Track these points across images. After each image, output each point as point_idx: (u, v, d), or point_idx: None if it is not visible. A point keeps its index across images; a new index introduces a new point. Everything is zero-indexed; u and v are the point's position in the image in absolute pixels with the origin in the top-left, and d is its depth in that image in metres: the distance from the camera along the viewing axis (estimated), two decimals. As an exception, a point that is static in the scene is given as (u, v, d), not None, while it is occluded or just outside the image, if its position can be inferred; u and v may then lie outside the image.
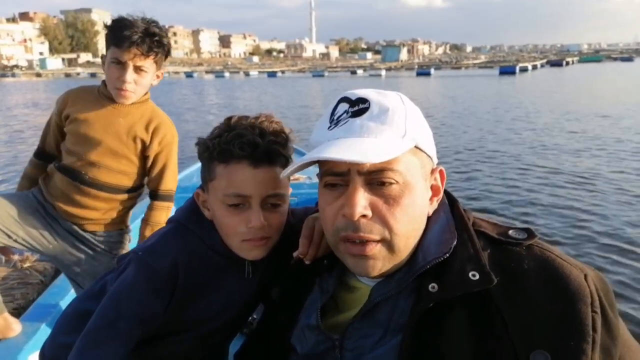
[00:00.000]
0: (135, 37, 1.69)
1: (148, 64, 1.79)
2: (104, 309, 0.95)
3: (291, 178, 1.07)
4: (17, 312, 2.72)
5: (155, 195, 1.93)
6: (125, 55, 1.72)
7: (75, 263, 1.94)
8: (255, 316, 1.22)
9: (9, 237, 1.80)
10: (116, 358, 0.91)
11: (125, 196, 1.92)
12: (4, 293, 2.89)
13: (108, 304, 0.96)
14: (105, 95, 1.86)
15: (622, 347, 0.70)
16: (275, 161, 0.94)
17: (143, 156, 1.89)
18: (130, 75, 1.75)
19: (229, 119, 0.98)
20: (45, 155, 1.98)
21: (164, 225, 1.75)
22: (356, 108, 0.81)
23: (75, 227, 1.91)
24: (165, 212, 1.93)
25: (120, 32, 1.70)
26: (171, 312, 0.99)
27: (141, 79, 1.80)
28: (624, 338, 0.71)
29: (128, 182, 1.90)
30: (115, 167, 1.85)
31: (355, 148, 0.74)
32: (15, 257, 3.38)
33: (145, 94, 1.91)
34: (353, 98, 0.82)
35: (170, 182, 1.94)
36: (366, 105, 0.80)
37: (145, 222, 1.92)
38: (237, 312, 1.08)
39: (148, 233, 1.88)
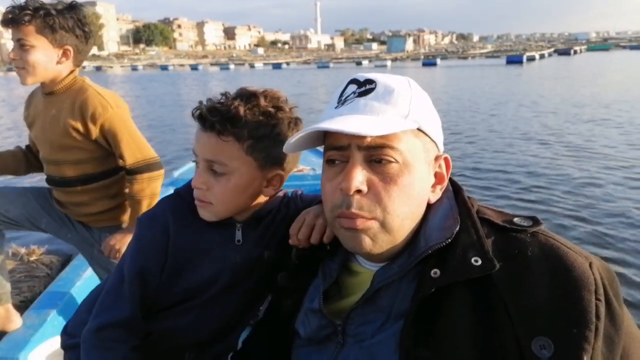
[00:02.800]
0: (13, 12, 1.67)
1: (28, 36, 1.68)
2: (113, 273, 1.06)
3: (295, 169, 1.08)
4: (24, 305, 2.75)
5: (127, 171, 1.84)
6: (9, 34, 1.72)
7: (90, 255, 2.03)
8: (261, 308, 1.23)
9: (33, 224, 1.92)
10: (126, 317, 0.99)
11: (106, 182, 1.88)
12: (11, 286, 2.91)
13: (115, 269, 1.06)
14: (42, 91, 1.84)
15: (626, 337, 0.69)
16: (216, 129, 0.96)
17: (91, 140, 1.79)
18: (14, 51, 1.72)
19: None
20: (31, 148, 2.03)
21: (148, 195, 1.87)
22: (363, 89, 0.82)
23: (83, 226, 1.96)
24: (143, 183, 1.84)
25: (5, 13, 1.69)
26: (166, 279, 1.04)
27: (26, 54, 1.70)
28: (629, 329, 0.70)
29: (96, 168, 1.85)
30: (71, 159, 1.81)
31: (356, 122, 0.76)
32: (22, 250, 3.44)
33: (70, 74, 1.81)
34: (361, 80, 0.84)
35: (133, 154, 1.80)
36: (373, 86, 0.82)
37: (127, 195, 1.88)
38: (230, 281, 1.08)
39: (132, 205, 1.88)
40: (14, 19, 1.68)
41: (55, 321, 1.96)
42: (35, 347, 1.82)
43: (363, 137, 0.76)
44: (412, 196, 0.79)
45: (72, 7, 1.78)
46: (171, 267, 1.04)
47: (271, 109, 1.00)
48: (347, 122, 0.76)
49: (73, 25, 1.77)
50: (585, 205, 5.08)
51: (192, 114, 1.00)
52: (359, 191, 0.77)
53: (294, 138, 0.83)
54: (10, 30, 1.71)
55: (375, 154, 0.77)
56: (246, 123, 0.96)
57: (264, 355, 0.99)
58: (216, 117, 0.95)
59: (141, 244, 1.05)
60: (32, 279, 3.18)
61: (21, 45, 1.70)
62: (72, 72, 1.82)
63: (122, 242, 1.86)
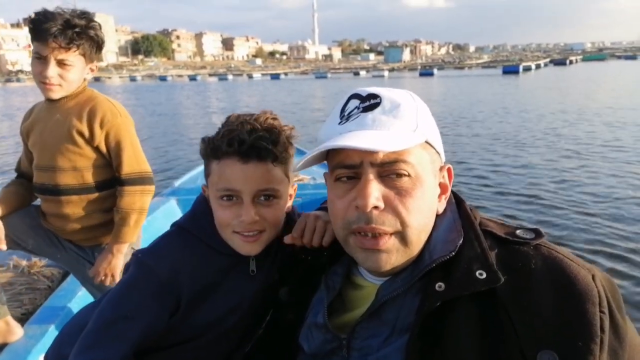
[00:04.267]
0: (54, 29, 1.63)
1: (72, 57, 1.71)
2: (104, 309, 0.96)
3: (296, 178, 1.07)
4: (25, 317, 2.73)
5: (119, 182, 1.81)
6: (46, 50, 1.67)
7: (82, 276, 1.98)
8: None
9: (19, 244, 1.85)
10: (116, 358, 0.91)
11: (99, 194, 1.84)
12: (12, 298, 2.89)
13: (107, 305, 0.96)
14: (46, 99, 1.83)
15: (629, 349, 0.69)
16: (265, 156, 0.94)
17: (93, 146, 1.78)
18: (52, 69, 1.69)
19: (229, 116, 1.00)
20: (22, 174, 1.98)
21: (137, 209, 1.83)
22: (367, 103, 0.81)
23: (72, 245, 1.92)
24: (135, 196, 1.81)
25: (40, 25, 1.65)
26: (178, 319, 0.99)
27: (66, 73, 1.72)
28: (632, 340, 0.70)
29: (91, 178, 1.81)
30: (68, 166, 1.78)
31: (369, 139, 0.75)
32: (24, 262, 3.43)
33: (82, 83, 1.83)
34: (364, 94, 0.83)
35: (130, 164, 1.80)
36: (377, 100, 0.81)
37: (115, 210, 1.82)
38: (246, 313, 1.07)
39: (119, 220, 1.82)
40: (63, 39, 1.65)
41: (56, 333, 1.94)
42: (36, 358, 1.81)
43: (376, 153, 0.76)
44: (425, 208, 0.80)
45: (92, 19, 1.78)
46: (185, 307, 0.98)
47: (287, 130, 1.01)
48: (359, 139, 0.75)
49: (102, 42, 1.80)
50: (589, 211, 5.10)
51: (220, 147, 0.94)
52: (375, 207, 0.77)
53: (305, 158, 0.83)
54: (39, 43, 1.67)
55: (389, 169, 0.78)
56: (282, 146, 0.97)
57: None
58: (268, 146, 0.93)
59: (142, 288, 0.95)
60: (33, 291, 3.15)
61: (63, 64, 1.71)
62: (83, 80, 1.84)
63: (112, 267, 1.80)
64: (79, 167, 1.79)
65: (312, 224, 1.00)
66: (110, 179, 1.85)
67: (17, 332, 1.91)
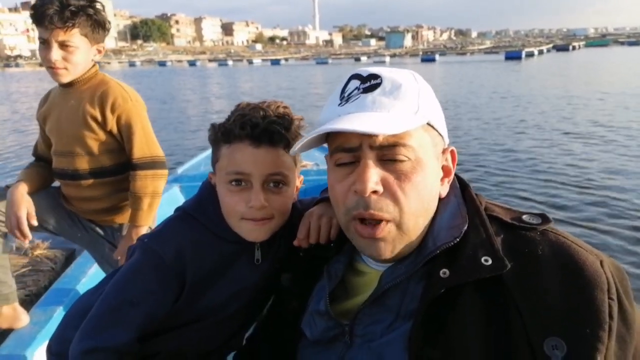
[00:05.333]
0: (50, 11, 1.63)
1: (73, 38, 1.70)
2: (108, 294, 0.96)
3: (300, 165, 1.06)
4: (29, 299, 2.76)
5: (131, 166, 1.83)
6: (46, 33, 1.67)
7: (101, 255, 2.01)
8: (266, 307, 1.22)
9: (40, 225, 1.87)
10: (120, 343, 0.91)
11: (118, 177, 1.87)
12: (16, 280, 2.90)
13: (112, 290, 0.96)
14: (60, 85, 1.84)
15: (638, 336, 0.68)
16: (277, 141, 0.94)
17: (106, 131, 1.80)
18: (55, 52, 1.69)
19: (238, 104, 1.00)
20: (39, 157, 2.00)
21: (150, 193, 1.85)
22: (368, 84, 0.79)
23: (93, 225, 1.95)
24: (147, 180, 1.83)
25: (38, 9, 1.66)
26: (183, 303, 0.99)
27: (70, 55, 1.72)
28: None
29: (108, 161, 1.84)
30: (85, 151, 1.81)
31: (368, 121, 0.73)
32: (27, 244, 3.44)
33: (92, 68, 1.84)
34: (365, 75, 0.81)
35: (142, 148, 1.82)
36: (378, 81, 0.79)
37: (129, 193, 1.85)
38: (249, 300, 1.07)
39: (133, 202, 1.85)
40: (59, 20, 1.66)
41: (61, 318, 1.95)
42: (42, 344, 1.82)
43: (375, 136, 0.74)
44: (425, 193, 0.78)
45: (94, 0, 1.77)
46: (188, 291, 0.98)
47: (297, 120, 1.01)
48: (358, 122, 0.73)
49: (104, 22, 1.79)
50: (594, 196, 5.10)
51: (232, 131, 0.94)
52: (374, 192, 0.75)
53: (302, 141, 0.81)
54: (41, 28, 1.68)
55: (388, 153, 0.76)
56: (293, 133, 0.97)
57: (268, 353, 0.98)
58: (281, 130, 0.93)
59: (148, 272, 0.95)
60: (36, 272, 3.18)
61: (65, 46, 1.71)
62: (94, 65, 1.85)
63: None
64: (95, 151, 1.82)
65: (316, 223, 0.99)
66: (126, 163, 1.88)
67: (23, 318, 1.93)
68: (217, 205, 1.00)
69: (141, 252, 0.98)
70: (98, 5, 1.76)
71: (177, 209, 1.06)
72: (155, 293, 0.95)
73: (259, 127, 0.92)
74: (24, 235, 1.74)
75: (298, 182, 1.06)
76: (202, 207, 1.02)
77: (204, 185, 1.07)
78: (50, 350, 1.09)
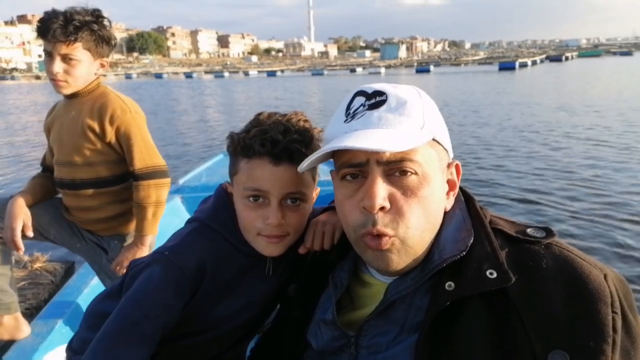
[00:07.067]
0: (54, 25, 1.67)
1: (76, 52, 1.74)
2: (126, 309, 0.91)
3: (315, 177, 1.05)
4: (29, 312, 2.74)
5: (134, 177, 1.85)
6: (50, 46, 1.72)
7: (99, 266, 2.01)
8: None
9: (41, 234, 1.90)
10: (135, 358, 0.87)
11: (117, 188, 1.89)
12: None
13: (130, 305, 0.91)
14: (64, 96, 1.87)
15: None
16: (296, 159, 0.91)
17: (105, 142, 1.82)
18: (57, 65, 1.73)
19: (259, 114, 0.98)
20: (47, 168, 2.03)
21: (153, 203, 1.86)
22: (373, 101, 0.80)
23: (91, 235, 1.96)
24: (150, 190, 1.84)
25: (43, 23, 1.70)
26: (191, 313, 0.98)
27: (72, 68, 1.76)
28: None
29: (106, 172, 1.86)
30: (83, 162, 1.83)
31: (375, 138, 0.74)
32: (26, 257, 3.41)
33: (95, 80, 1.87)
34: (369, 91, 0.81)
35: (142, 159, 1.83)
36: (383, 97, 0.80)
37: (133, 203, 1.87)
38: (258, 310, 1.07)
39: (137, 213, 1.87)
40: (62, 34, 1.69)
41: (63, 329, 1.95)
42: (44, 355, 1.81)
43: (382, 152, 0.74)
44: (432, 207, 0.79)
45: (102, 16, 1.81)
46: (198, 302, 0.97)
47: (316, 132, 0.99)
48: (366, 139, 0.74)
49: (109, 37, 1.83)
50: (597, 210, 5.11)
51: (252, 147, 0.91)
52: (382, 208, 0.75)
53: (311, 158, 0.81)
54: (45, 41, 1.72)
55: (395, 167, 0.76)
56: (313, 150, 0.94)
57: None
58: (302, 149, 0.92)
59: (171, 287, 0.92)
60: (36, 286, 3.17)
61: (68, 59, 1.74)
62: (97, 78, 1.88)
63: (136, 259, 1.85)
64: (93, 162, 1.84)
65: (320, 229, 1.00)
66: (126, 173, 1.89)
67: (25, 329, 1.92)
68: (233, 212, 0.99)
69: (161, 266, 0.93)
70: (105, 22, 1.81)
71: (191, 220, 1.04)
72: (171, 307, 0.93)
73: (280, 146, 0.91)
74: (17, 248, 1.77)
75: (314, 194, 1.05)
76: (221, 218, 1.01)
77: (219, 195, 1.05)
78: (70, 346, 1.09)
